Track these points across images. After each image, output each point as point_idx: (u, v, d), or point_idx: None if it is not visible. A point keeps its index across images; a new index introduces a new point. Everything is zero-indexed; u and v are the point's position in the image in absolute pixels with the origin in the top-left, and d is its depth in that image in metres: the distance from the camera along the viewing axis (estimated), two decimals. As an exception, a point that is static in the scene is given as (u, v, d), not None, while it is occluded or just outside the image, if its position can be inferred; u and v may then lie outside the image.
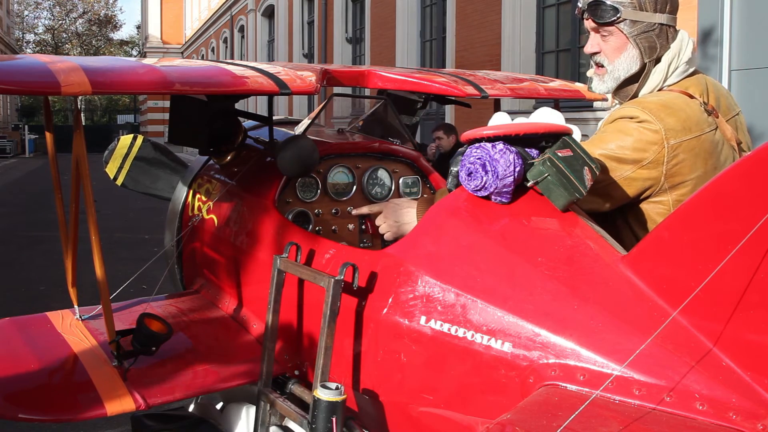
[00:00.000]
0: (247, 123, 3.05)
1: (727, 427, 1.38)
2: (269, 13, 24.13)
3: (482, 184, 1.79)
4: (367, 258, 2.04)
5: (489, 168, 1.77)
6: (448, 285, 1.78)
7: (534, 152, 1.81)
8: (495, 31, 10.31)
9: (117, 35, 59.09)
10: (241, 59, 21.96)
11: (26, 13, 56.00)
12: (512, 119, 1.91)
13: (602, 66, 2.05)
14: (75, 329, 2.48)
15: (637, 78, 2.02)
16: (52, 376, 2.25)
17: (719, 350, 1.44)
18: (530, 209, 1.82)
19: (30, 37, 56.19)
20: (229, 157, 2.86)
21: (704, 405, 1.41)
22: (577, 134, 1.88)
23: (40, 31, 56.32)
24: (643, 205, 1.96)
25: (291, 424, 2.20)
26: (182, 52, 41.37)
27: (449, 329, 1.74)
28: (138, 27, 57.67)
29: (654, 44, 1.98)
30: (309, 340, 2.25)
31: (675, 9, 2.01)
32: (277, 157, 2.47)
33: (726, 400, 1.40)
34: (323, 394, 1.80)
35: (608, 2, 1.95)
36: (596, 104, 7.56)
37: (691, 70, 2.03)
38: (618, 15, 1.95)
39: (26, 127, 39.14)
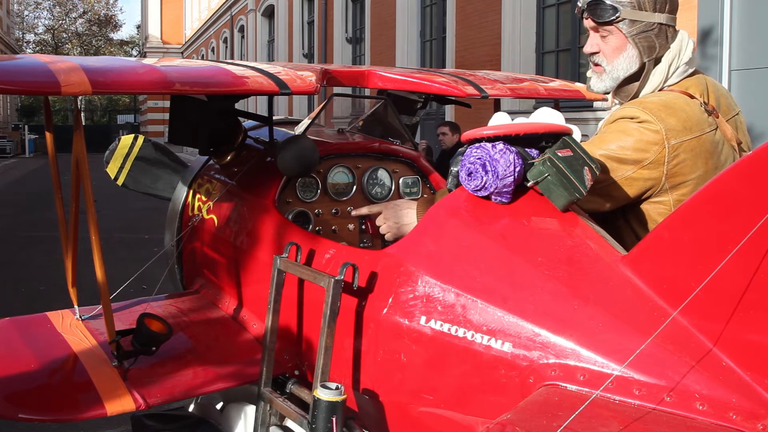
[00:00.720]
0: (247, 123, 3.05)
1: (727, 427, 1.38)
2: (269, 13, 24.12)
3: (482, 184, 1.79)
4: (367, 258, 2.04)
5: (489, 168, 1.76)
6: (448, 285, 1.78)
7: (534, 152, 1.81)
8: (495, 31, 10.31)
9: (117, 35, 59.18)
10: (241, 59, 21.95)
11: (26, 13, 56.08)
12: (512, 119, 1.91)
13: (601, 66, 2.05)
14: (75, 329, 2.48)
15: (636, 78, 2.02)
16: (52, 376, 2.25)
17: (719, 350, 1.44)
18: (530, 209, 1.82)
19: (30, 37, 56.29)
20: (229, 157, 2.86)
21: (704, 405, 1.41)
22: (577, 134, 1.88)
23: (40, 31, 56.45)
24: (644, 205, 1.96)
25: (291, 424, 2.20)
26: (182, 52, 41.36)
27: (449, 329, 1.74)
28: (138, 27, 57.68)
29: (653, 44, 1.98)
30: (309, 340, 2.25)
31: (674, 9, 2.01)
32: (277, 157, 2.47)
33: (726, 400, 1.40)
34: (323, 394, 1.80)
35: (607, 1, 1.95)
36: (596, 104, 7.55)
37: (691, 70, 2.03)
38: (617, 14, 1.95)
39: (26, 127, 39.17)
